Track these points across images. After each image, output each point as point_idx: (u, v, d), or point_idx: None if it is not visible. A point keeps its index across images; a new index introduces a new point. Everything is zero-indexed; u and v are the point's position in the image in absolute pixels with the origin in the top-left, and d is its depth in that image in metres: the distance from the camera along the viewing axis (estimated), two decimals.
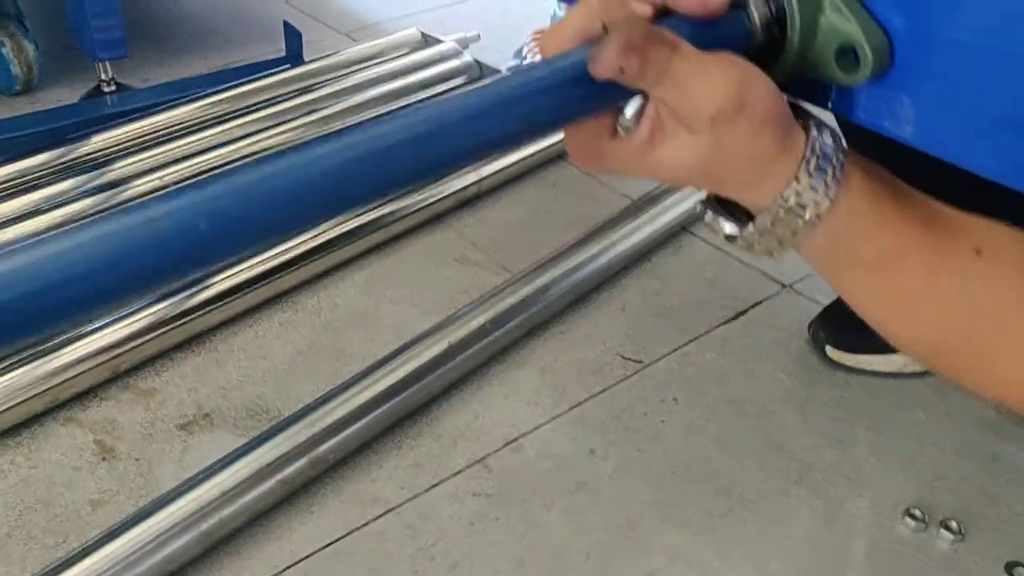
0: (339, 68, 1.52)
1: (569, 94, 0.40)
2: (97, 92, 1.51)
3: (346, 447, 0.91)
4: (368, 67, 1.52)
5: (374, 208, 1.19)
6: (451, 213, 1.29)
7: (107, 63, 1.47)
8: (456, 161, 0.40)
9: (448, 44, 1.60)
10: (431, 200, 1.24)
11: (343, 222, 1.16)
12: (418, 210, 1.23)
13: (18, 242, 0.36)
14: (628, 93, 0.41)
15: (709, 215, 0.45)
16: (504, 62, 1.64)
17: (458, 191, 1.27)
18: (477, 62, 1.56)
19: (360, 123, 0.39)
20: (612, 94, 0.41)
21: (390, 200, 1.20)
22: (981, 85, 0.42)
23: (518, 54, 1.68)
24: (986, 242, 0.44)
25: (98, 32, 1.43)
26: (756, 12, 0.44)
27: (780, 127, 0.42)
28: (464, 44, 1.62)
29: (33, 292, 0.31)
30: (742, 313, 1.14)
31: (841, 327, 1.05)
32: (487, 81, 0.41)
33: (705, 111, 0.40)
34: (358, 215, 1.17)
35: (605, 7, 0.41)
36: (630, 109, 0.42)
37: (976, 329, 0.44)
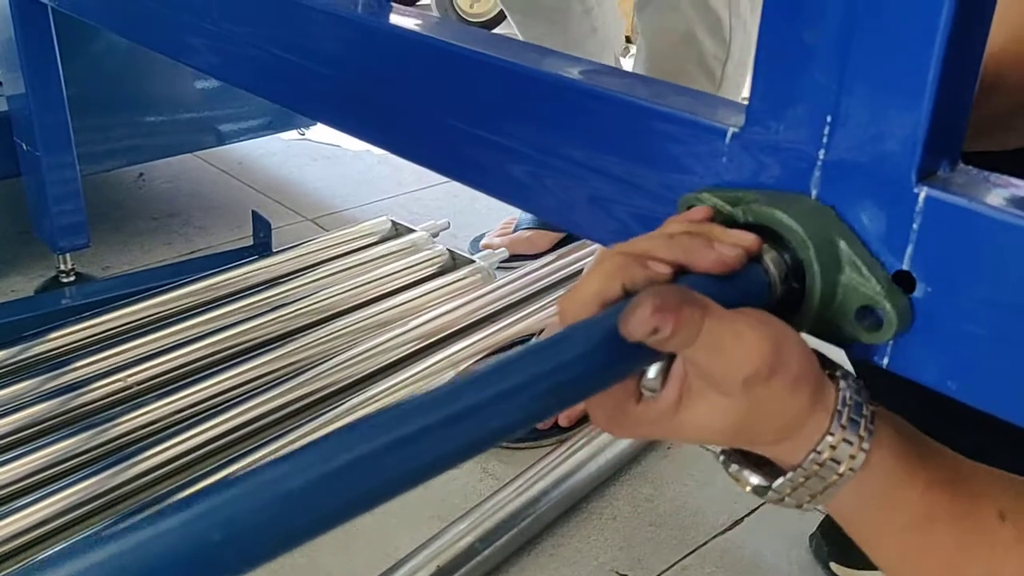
0: (309, 258, 1.49)
1: (594, 362, 0.38)
2: (55, 282, 1.45)
3: None
4: (339, 257, 1.49)
5: (350, 412, 1.13)
6: None
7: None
8: (486, 445, 0.38)
9: (419, 233, 1.58)
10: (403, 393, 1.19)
11: (313, 431, 1.10)
12: None
13: None
14: (654, 357, 0.40)
15: (733, 468, 0.44)
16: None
17: None
18: (449, 251, 1.55)
19: (379, 411, 0.35)
20: (638, 358, 0.40)
21: (365, 404, 1.15)
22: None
23: (475, 243, 1.67)
24: (1009, 505, 0.42)
25: (59, 217, 1.40)
26: (773, 266, 0.43)
27: (813, 383, 0.41)
28: (435, 233, 1.61)
29: None
30: (738, 522, 1.09)
31: (845, 541, 0.99)
32: (505, 357, 0.38)
33: (739, 373, 0.39)
34: (331, 422, 1.11)
35: (623, 270, 0.40)
36: (652, 370, 0.41)
37: None
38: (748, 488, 0.44)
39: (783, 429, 0.41)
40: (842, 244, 0.43)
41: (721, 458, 0.45)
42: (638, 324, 0.37)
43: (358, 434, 0.35)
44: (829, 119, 0.43)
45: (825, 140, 0.43)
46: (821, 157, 0.44)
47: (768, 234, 0.43)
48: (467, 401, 0.36)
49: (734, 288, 0.42)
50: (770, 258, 0.43)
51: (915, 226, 0.41)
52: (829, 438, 0.41)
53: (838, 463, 0.41)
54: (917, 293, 0.42)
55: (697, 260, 0.41)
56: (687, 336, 0.38)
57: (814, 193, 0.44)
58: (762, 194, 0.45)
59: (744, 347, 0.39)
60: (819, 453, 0.41)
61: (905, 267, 0.42)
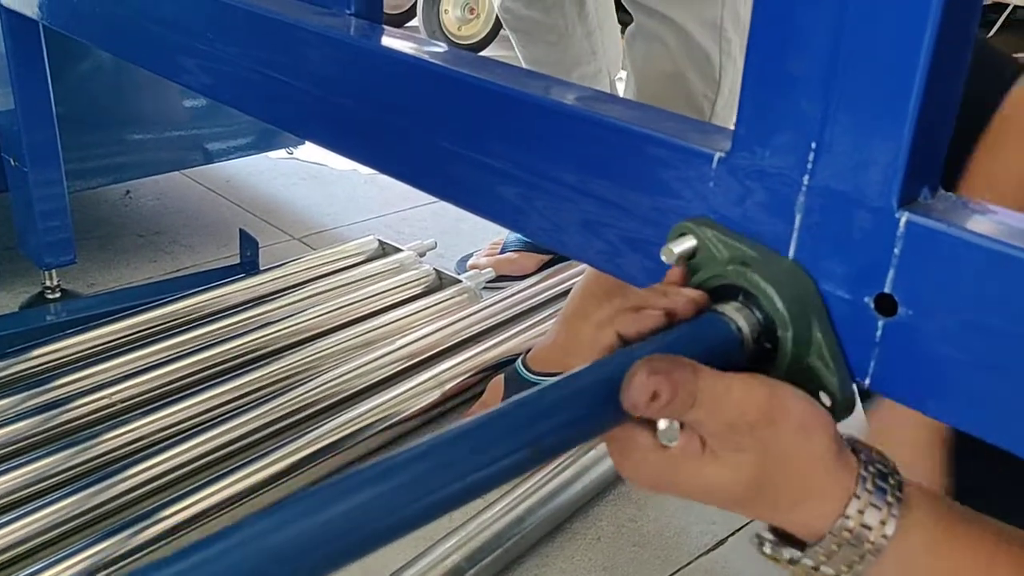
0: (296, 277, 1.49)
1: (589, 412, 0.41)
2: (40, 299, 1.45)
3: None
4: (326, 276, 1.50)
5: (336, 431, 1.13)
6: (416, 431, 1.24)
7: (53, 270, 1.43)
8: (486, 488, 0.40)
9: (406, 253, 1.59)
10: (393, 420, 1.19)
11: (299, 449, 1.10)
12: (381, 431, 1.18)
13: None
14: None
15: (767, 547, 0.44)
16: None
17: (423, 409, 1.22)
18: (436, 271, 1.55)
19: (371, 464, 0.37)
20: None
21: (351, 423, 1.15)
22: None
23: (462, 263, 1.68)
24: None
25: (45, 233, 1.40)
26: (746, 327, 0.45)
27: (828, 433, 0.42)
28: (421, 252, 1.62)
29: None
30: (721, 543, 1.10)
31: None
32: (508, 404, 0.41)
33: (741, 421, 0.40)
34: (317, 441, 1.12)
35: (614, 319, 0.44)
36: (663, 422, 0.42)
37: None
38: (785, 562, 0.44)
39: (806, 486, 0.41)
40: (817, 334, 0.45)
41: (755, 540, 0.45)
42: (638, 390, 0.39)
43: (346, 487, 0.36)
44: (813, 146, 0.44)
45: (809, 166, 0.44)
46: (805, 183, 0.45)
47: (745, 291, 0.45)
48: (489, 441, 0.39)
49: (706, 343, 0.44)
50: (741, 316, 0.45)
51: (896, 250, 0.43)
52: (855, 501, 0.41)
53: (868, 528, 0.41)
54: (899, 316, 0.43)
55: (679, 307, 0.45)
56: (685, 397, 0.39)
57: (798, 219, 0.45)
58: (749, 248, 0.47)
59: (738, 395, 0.40)
60: (847, 518, 0.41)
61: (887, 290, 0.43)
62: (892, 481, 0.42)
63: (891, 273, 0.43)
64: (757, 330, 0.45)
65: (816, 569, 0.42)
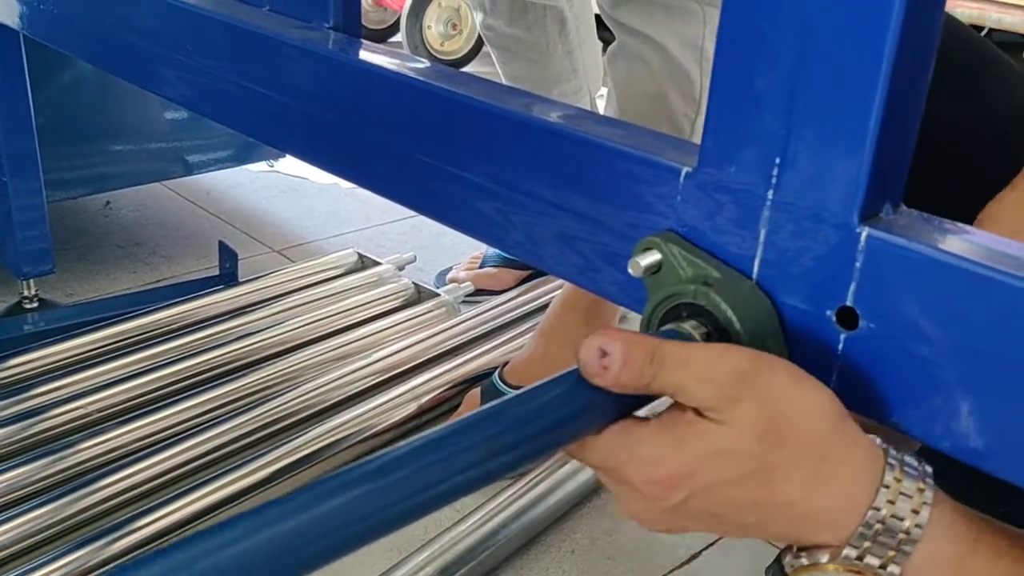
0: (275, 289, 1.50)
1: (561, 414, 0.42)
2: (18, 308, 1.45)
3: None
4: (305, 288, 1.50)
5: (312, 442, 1.14)
6: (391, 444, 1.24)
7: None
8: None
9: (385, 266, 1.60)
10: (369, 433, 1.20)
11: (275, 461, 1.10)
12: (356, 443, 1.18)
13: None
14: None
15: (788, 559, 0.42)
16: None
17: (399, 422, 1.23)
18: (415, 284, 1.56)
19: (344, 469, 0.38)
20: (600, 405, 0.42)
21: (327, 435, 1.15)
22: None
23: (441, 277, 1.69)
24: None
25: (24, 243, 1.40)
26: (699, 338, 0.46)
27: (823, 390, 0.40)
28: (400, 266, 1.63)
29: None
30: (695, 556, 1.10)
31: None
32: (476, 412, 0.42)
33: (726, 378, 0.39)
34: (294, 452, 1.12)
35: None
36: (644, 410, 0.43)
37: None
38: (821, 566, 0.41)
39: (819, 446, 0.39)
40: (770, 342, 0.46)
41: (786, 557, 0.43)
42: (586, 350, 0.39)
43: (326, 489, 0.37)
44: (778, 161, 0.45)
45: (774, 181, 0.45)
46: (770, 197, 0.46)
47: (705, 312, 0.46)
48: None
49: None
50: (698, 334, 0.46)
51: (858, 264, 0.44)
52: (884, 491, 0.39)
53: (901, 519, 0.39)
54: (860, 329, 0.44)
55: None
56: (642, 355, 0.39)
57: (762, 233, 0.46)
58: (713, 268, 0.48)
59: (717, 351, 0.40)
60: (877, 510, 0.39)
61: (849, 303, 0.45)
62: (920, 466, 0.40)
63: (853, 287, 0.44)
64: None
65: (860, 559, 0.40)
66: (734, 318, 0.45)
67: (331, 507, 0.36)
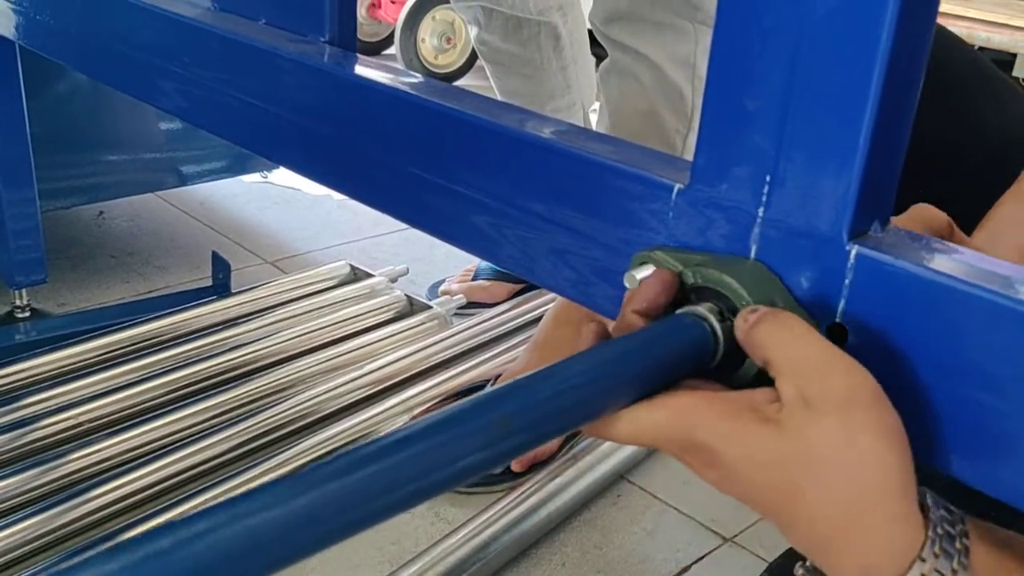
0: (267, 300, 1.50)
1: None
2: (9, 317, 1.44)
3: None
4: (297, 300, 1.50)
5: (303, 454, 1.14)
6: None
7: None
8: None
9: (378, 278, 1.60)
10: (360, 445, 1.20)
11: (266, 472, 1.10)
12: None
13: None
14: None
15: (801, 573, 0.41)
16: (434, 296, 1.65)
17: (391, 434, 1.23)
18: (407, 296, 1.56)
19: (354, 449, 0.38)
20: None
21: (319, 446, 1.16)
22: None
23: (433, 289, 1.69)
24: None
25: (17, 252, 1.40)
26: (717, 324, 0.46)
27: (905, 450, 0.38)
28: (393, 278, 1.63)
29: None
30: (685, 570, 1.11)
31: None
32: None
33: (837, 387, 0.39)
34: (285, 463, 1.12)
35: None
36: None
37: None
38: None
39: (850, 510, 0.37)
40: (780, 304, 0.45)
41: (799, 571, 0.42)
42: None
43: (328, 471, 0.36)
44: (768, 179, 0.46)
45: (764, 199, 0.46)
46: (761, 215, 0.46)
47: (714, 295, 0.46)
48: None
49: (680, 343, 0.45)
50: (715, 316, 0.46)
51: (847, 281, 0.44)
52: (919, 564, 0.37)
53: None
54: (848, 345, 0.45)
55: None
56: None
57: (753, 249, 0.47)
58: (710, 257, 0.48)
59: (838, 353, 0.41)
60: None
61: (838, 320, 0.45)
62: (959, 544, 0.38)
63: (842, 304, 0.45)
64: (728, 328, 0.46)
65: None
66: (738, 285, 0.45)
67: (337, 487, 0.35)
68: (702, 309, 0.46)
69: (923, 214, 0.51)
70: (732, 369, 0.46)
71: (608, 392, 0.42)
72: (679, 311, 0.47)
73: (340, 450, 1.15)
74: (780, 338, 0.41)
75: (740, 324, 0.43)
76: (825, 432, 0.38)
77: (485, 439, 0.39)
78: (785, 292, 0.46)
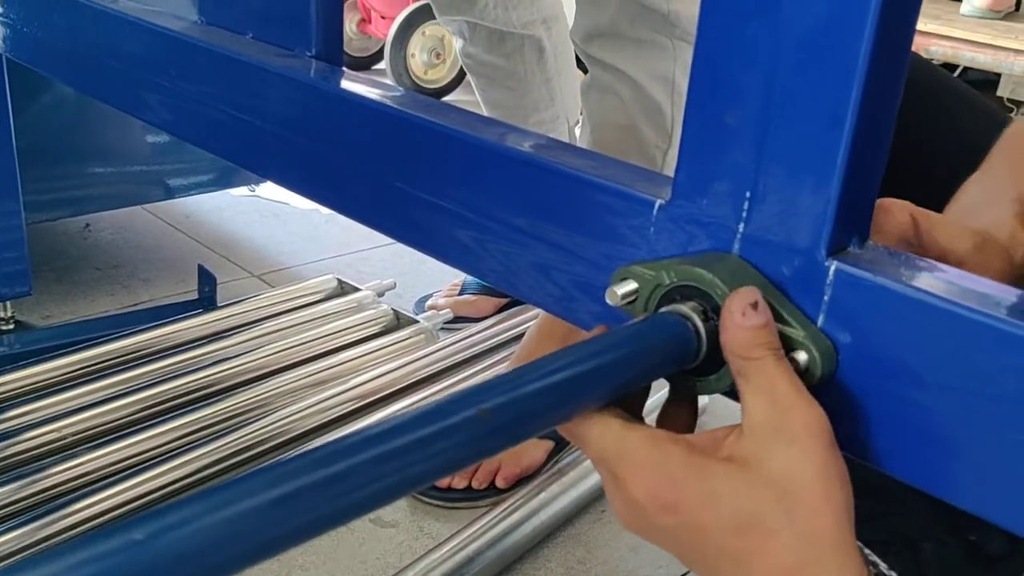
0: (253, 314, 1.49)
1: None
2: None
3: None
4: (284, 314, 1.50)
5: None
6: None
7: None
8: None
9: (364, 292, 1.60)
10: None
11: None
12: None
13: None
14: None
15: None
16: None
17: None
18: (394, 311, 1.56)
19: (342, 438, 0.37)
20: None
21: None
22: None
23: (420, 304, 1.69)
24: None
25: (2, 264, 1.39)
26: (699, 321, 0.46)
27: (847, 494, 0.40)
28: (380, 292, 1.63)
29: None
30: None
31: None
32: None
33: (795, 423, 0.40)
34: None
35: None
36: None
37: None
38: None
39: (825, 545, 0.38)
40: (765, 296, 0.45)
41: None
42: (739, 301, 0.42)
43: (303, 464, 0.36)
44: (748, 195, 0.46)
45: (744, 215, 0.46)
46: (741, 230, 0.47)
47: (698, 294, 0.46)
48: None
49: (662, 340, 0.45)
50: (698, 315, 0.46)
51: (826, 297, 0.44)
52: None
53: None
54: None
55: None
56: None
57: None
58: (689, 256, 0.48)
59: (802, 392, 0.42)
60: None
61: None
62: None
63: (821, 319, 0.45)
64: (711, 326, 0.46)
65: None
66: (711, 276, 0.45)
67: (317, 478, 0.34)
68: (685, 308, 0.46)
69: (883, 205, 0.51)
70: (712, 370, 0.47)
71: (590, 385, 0.43)
72: (662, 309, 0.47)
73: None
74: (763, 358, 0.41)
75: (735, 318, 0.42)
76: (791, 460, 0.39)
77: (467, 433, 0.39)
78: (769, 286, 0.46)
